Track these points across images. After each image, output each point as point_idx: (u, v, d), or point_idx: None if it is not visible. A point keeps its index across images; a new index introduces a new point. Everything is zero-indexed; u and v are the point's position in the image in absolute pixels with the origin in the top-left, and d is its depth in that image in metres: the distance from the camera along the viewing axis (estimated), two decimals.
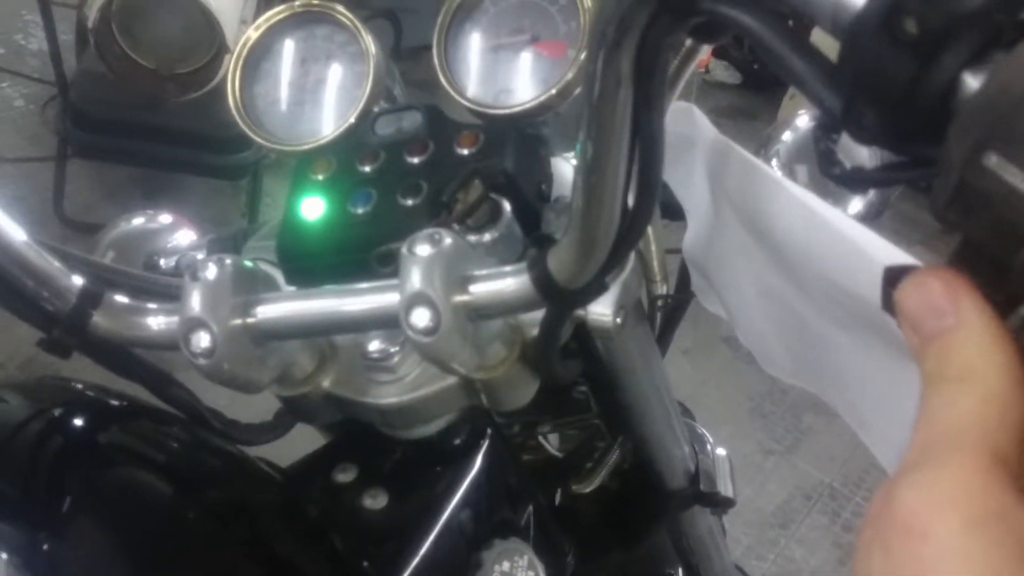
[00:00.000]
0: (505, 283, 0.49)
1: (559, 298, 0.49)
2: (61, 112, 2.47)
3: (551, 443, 0.80)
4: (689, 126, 0.53)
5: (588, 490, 0.78)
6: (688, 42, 0.59)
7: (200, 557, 0.52)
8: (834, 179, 0.36)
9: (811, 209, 0.41)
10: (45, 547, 0.47)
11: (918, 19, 0.28)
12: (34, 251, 0.53)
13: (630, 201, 0.45)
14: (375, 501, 0.60)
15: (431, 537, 0.61)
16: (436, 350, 0.50)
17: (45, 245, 0.54)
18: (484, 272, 0.50)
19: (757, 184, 0.46)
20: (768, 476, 2.11)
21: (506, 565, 0.63)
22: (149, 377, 0.58)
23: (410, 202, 0.60)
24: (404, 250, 0.49)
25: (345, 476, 0.61)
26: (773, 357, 0.55)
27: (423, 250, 0.49)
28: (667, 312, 0.70)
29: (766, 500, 2.06)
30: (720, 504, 0.79)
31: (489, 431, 0.64)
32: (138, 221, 0.75)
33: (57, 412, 0.57)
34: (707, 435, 0.82)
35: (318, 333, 0.56)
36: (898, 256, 0.36)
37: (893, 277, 0.36)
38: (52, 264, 0.54)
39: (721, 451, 0.81)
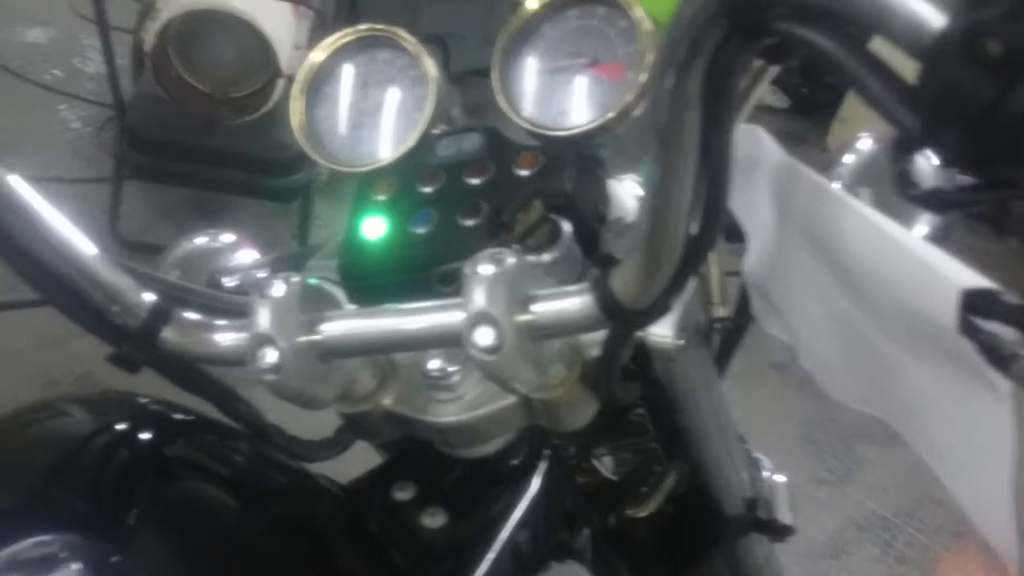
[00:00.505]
0: (568, 303, 0.49)
1: (622, 318, 0.49)
2: (118, 134, 2.53)
3: (606, 466, 0.79)
4: (754, 148, 0.53)
5: (643, 514, 0.77)
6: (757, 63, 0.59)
7: (264, 571, 0.52)
8: (911, 199, 0.36)
9: (883, 230, 0.41)
10: (113, 559, 0.48)
11: (1002, 41, 0.27)
12: (106, 266, 0.55)
13: (695, 221, 0.45)
14: (434, 520, 0.60)
15: (489, 558, 0.61)
16: (499, 369, 0.50)
17: (116, 261, 0.55)
18: (546, 292, 0.50)
19: (826, 205, 0.46)
20: (820, 506, 2.07)
21: None
22: (214, 392, 0.59)
23: (470, 222, 0.61)
24: (467, 269, 0.49)
25: (404, 494, 0.62)
26: (837, 381, 0.54)
27: (486, 269, 0.49)
28: (726, 335, 0.69)
29: (818, 530, 2.02)
30: (778, 532, 0.78)
31: (547, 452, 0.64)
32: (201, 240, 0.76)
33: (123, 426, 0.58)
34: (765, 460, 0.81)
35: (381, 350, 0.57)
36: (975, 279, 0.35)
37: (970, 300, 0.35)
38: (123, 279, 0.55)
39: (780, 477, 0.80)
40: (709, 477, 0.73)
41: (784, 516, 0.78)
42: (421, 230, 0.62)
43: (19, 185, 0.53)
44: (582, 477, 0.76)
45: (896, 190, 0.35)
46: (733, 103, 0.41)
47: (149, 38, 2.19)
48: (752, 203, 0.57)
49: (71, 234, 0.54)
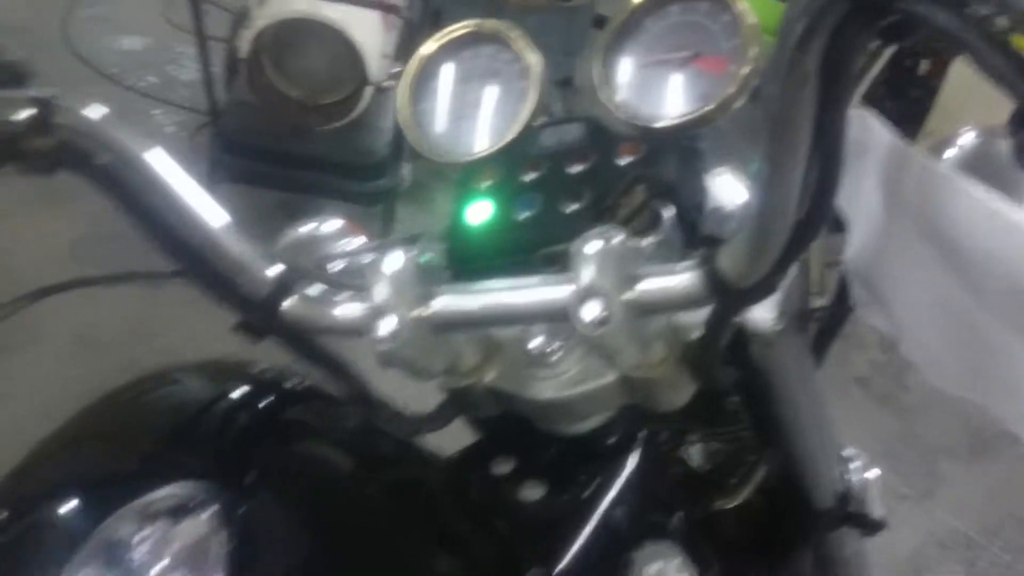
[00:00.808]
0: (674, 279, 0.51)
1: (727, 296, 0.50)
2: (211, 139, 2.61)
3: (695, 459, 0.80)
4: (862, 132, 0.53)
5: (732, 506, 0.78)
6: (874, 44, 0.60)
7: (375, 530, 0.55)
8: None
9: (999, 211, 0.42)
10: (241, 509, 0.51)
11: None
12: (237, 239, 0.58)
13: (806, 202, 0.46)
14: (532, 493, 0.62)
15: (585, 532, 0.62)
16: (604, 343, 0.52)
17: (246, 235, 0.59)
18: (654, 268, 0.52)
19: (938, 188, 0.46)
20: (901, 522, 2.03)
21: (656, 567, 0.64)
22: (329, 363, 0.62)
23: (573, 207, 0.63)
24: (574, 247, 0.51)
25: (503, 468, 0.64)
26: (940, 367, 0.55)
27: (594, 245, 0.51)
28: (824, 326, 0.70)
29: (899, 546, 1.98)
30: (870, 526, 0.77)
31: (642, 434, 0.65)
32: (310, 226, 0.80)
33: (239, 392, 0.62)
34: (857, 454, 0.81)
35: (491, 323, 0.59)
36: None
37: None
38: (252, 252, 0.59)
39: (872, 471, 0.80)
40: (801, 469, 0.73)
41: (876, 511, 0.78)
42: (524, 215, 0.64)
43: (161, 157, 0.56)
44: (673, 467, 0.77)
45: (1016, 161, 0.36)
46: (850, 83, 0.42)
47: (243, 45, 2.26)
48: (857, 190, 0.57)
49: (207, 206, 0.57)
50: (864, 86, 0.56)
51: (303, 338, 0.62)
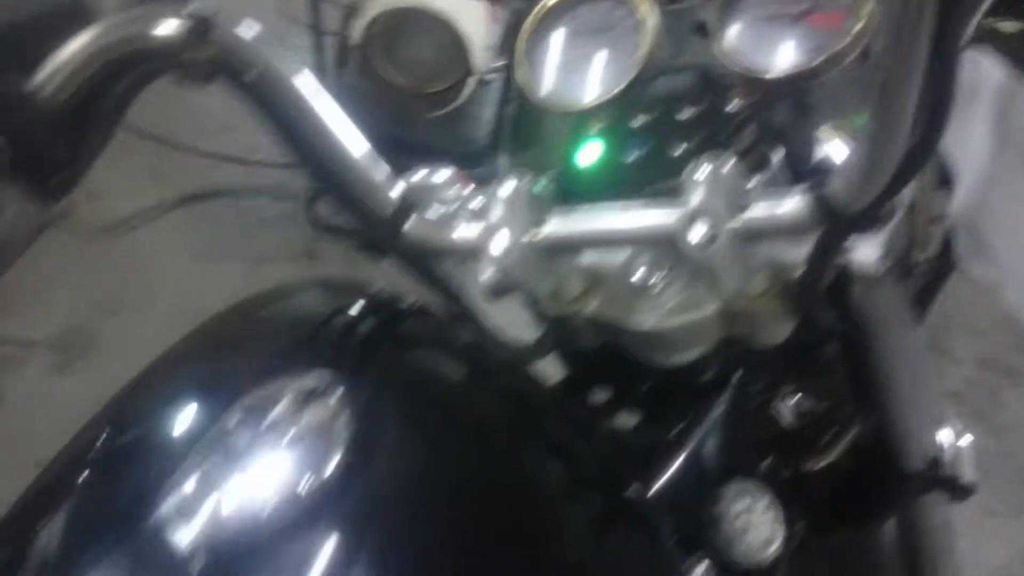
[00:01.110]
0: (783, 204, 0.53)
1: (834, 222, 0.52)
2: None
3: (787, 416, 0.81)
4: (974, 72, 0.54)
5: (821, 465, 0.79)
6: None
7: (486, 434, 0.58)
8: None
9: None
10: (361, 400, 0.55)
11: None
12: (369, 161, 0.62)
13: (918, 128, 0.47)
14: (627, 422, 0.64)
15: (677, 463, 0.64)
16: (709, 266, 0.54)
17: (378, 158, 0.63)
18: (763, 192, 0.53)
19: None
20: (989, 536, 1.98)
21: (744, 504, 0.65)
22: (443, 287, 0.65)
23: (682, 149, 0.65)
24: (686, 171, 0.54)
25: (599, 398, 0.66)
26: None
27: (706, 169, 0.53)
28: (926, 283, 0.70)
29: (985, 558, 1.93)
30: (961, 492, 0.77)
31: (739, 374, 0.67)
32: (423, 172, 0.84)
33: (358, 307, 0.65)
34: (949, 416, 0.81)
35: (600, 245, 0.61)
36: None
37: None
38: (381, 174, 0.63)
39: (966, 436, 0.79)
40: (895, 428, 0.73)
41: (967, 476, 0.78)
42: (634, 156, 0.66)
43: (308, 78, 0.61)
44: (764, 424, 0.78)
45: None
46: (972, 6, 0.43)
47: (356, 34, 2.34)
48: (967, 137, 0.58)
49: (345, 128, 0.62)
50: (975, 19, 0.57)
51: (421, 260, 0.66)
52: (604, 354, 0.66)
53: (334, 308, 0.65)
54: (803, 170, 0.62)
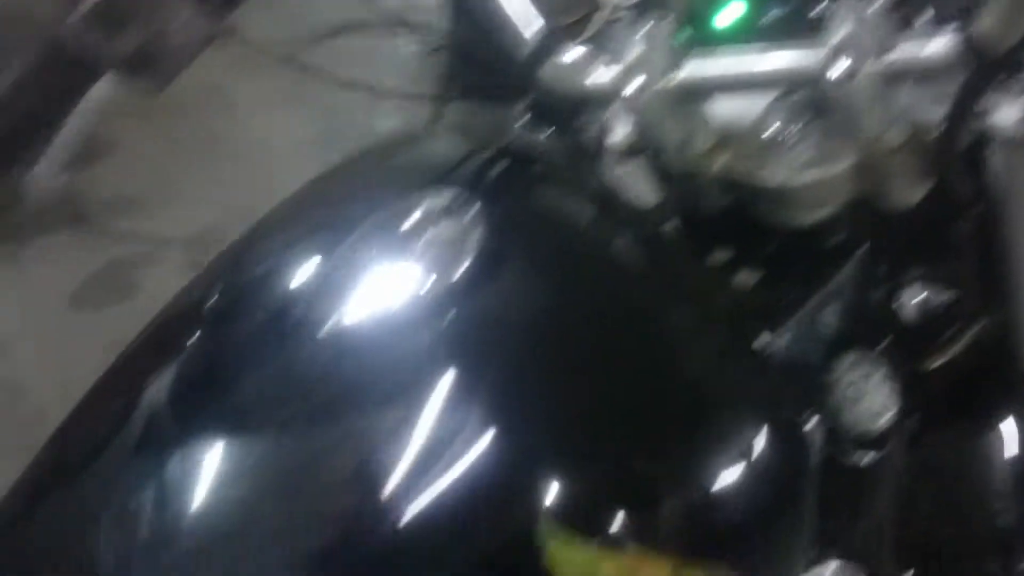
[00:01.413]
0: (928, 43, 0.52)
1: (979, 62, 0.51)
2: (446, 59, 2.74)
3: (909, 312, 0.79)
4: None
5: (939, 362, 0.77)
6: None
7: (615, 269, 0.60)
8: None
9: None
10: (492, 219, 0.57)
11: None
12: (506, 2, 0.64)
13: None
14: (745, 280, 0.65)
15: (794, 324, 0.64)
16: (848, 107, 0.54)
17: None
18: (907, 32, 0.53)
19: None
20: None
21: (858, 374, 0.65)
22: (572, 138, 0.67)
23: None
24: (831, 9, 0.54)
25: (719, 257, 0.67)
26: None
27: (852, 7, 0.53)
28: None
29: None
30: None
31: (865, 245, 0.67)
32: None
33: (491, 152, 0.68)
34: None
35: (738, 88, 0.62)
36: None
37: None
38: (523, 12, 0.65)
39: None
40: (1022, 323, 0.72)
41: None
42: (773, 17, 0.66)
43: None
44: (885, 308, 0.77)
45: None
46: None
47: None
48: None
49: None
50: None
51: (555, 108, 0.67)
52: (727, 215, 0.67)
53: (466, 151, 0.68)
54: (949, 10, 0.61)
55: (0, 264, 2.67)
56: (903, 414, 0.68)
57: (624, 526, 0.50)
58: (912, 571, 0.94)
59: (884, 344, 0.69)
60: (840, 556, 0.66)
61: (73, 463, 0.64)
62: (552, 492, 0.50)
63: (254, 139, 2.75)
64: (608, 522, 0.50)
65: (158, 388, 0.62)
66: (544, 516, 0.49)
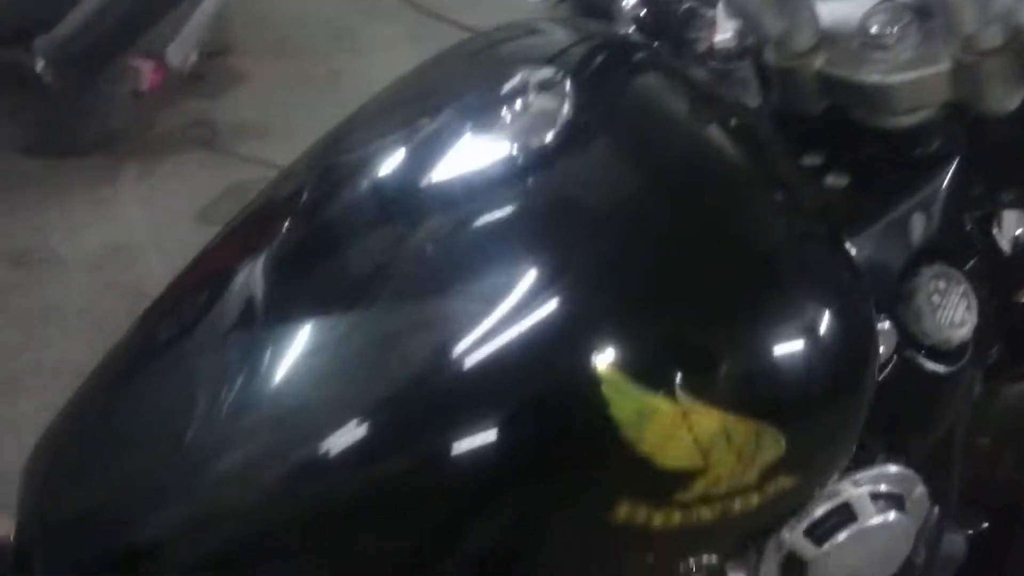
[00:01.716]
0: None
1: None
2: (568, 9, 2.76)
3: (999, 238, 0.78)
4: None
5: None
6: None
7: (704, 159, 0.62)
8: None
9: None
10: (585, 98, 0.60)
11: None
12: None
13: None
14: (836, 181, 0.66)
15: (879, 225, 0.65)
16: (949, 4, 0.54)
17: None
18: None
19: None
20: None
21: (940, 285, 0.65)
22: (676, 34, 0.69)
23: None
24: None
25: (813, 160, 0.68)
26: None
27: None
28: None
29: None
30: None
31: (959, 157, 0.66)
32: None
33: (595, 39, 0.70)
34: None
35: None
36: None
37: None
38: None
39: None
40: None
41: None
42: None
43: None
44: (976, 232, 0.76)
45: None
46: None
47: None
48: None
49: None
50: None
51: (664, 3, 0.69)
52: (824, 116, 0.67)
53: (574, 38, 0.70)
54: None
55: (135, 181, 2.83)
56: (982, 335, 0.68)
57: (682, 378, 0.52)
58: (987, 524, 0.94)
59: (971, 264, 0.69)
60: (903, 464, 0.67)
61: (166, 336, 0.69)
62: (618, 340, 0.53)
63: (375, 76, 2.83)
64: (667, 373, 0.53)
65: (253, 266, 0.66)
66: (607, 361, 0.52)
